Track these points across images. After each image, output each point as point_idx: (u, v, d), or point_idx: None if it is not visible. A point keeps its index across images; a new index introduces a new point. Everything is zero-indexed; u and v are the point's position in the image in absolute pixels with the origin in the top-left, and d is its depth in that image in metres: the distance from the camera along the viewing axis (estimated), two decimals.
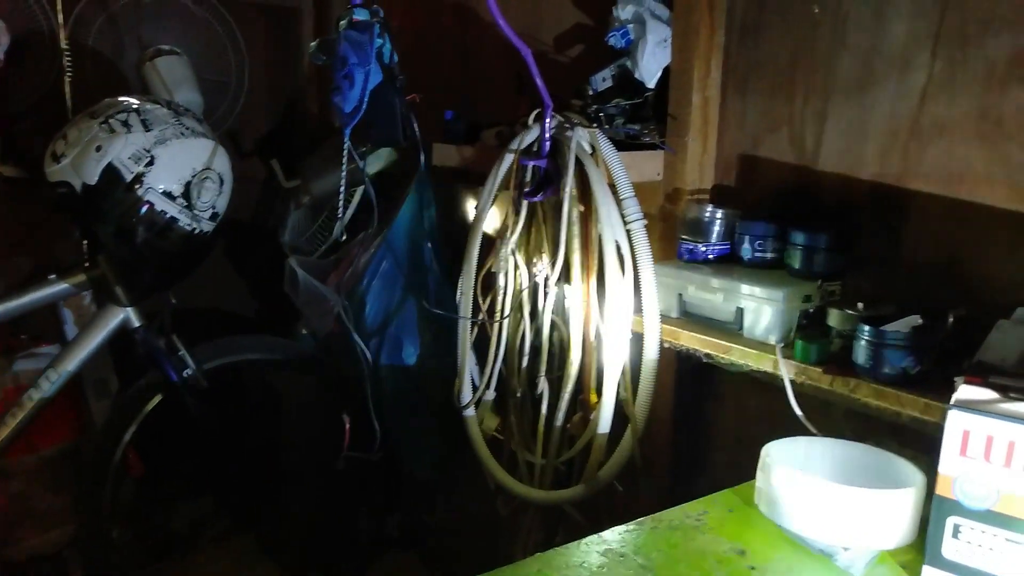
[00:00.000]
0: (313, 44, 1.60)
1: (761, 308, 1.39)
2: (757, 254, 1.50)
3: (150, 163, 1.68)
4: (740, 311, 1.43)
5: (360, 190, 2.23)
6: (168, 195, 1.71)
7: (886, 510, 1.02)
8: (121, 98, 1.77)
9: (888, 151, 1.39)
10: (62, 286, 1.80)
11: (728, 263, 1.56)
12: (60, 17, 2.47)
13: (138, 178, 1.68)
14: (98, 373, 2.46)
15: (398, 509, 2.44)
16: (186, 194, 1.74)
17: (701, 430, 1.75)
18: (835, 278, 1.40)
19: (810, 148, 1.51)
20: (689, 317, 1.54)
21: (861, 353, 1.22)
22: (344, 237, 2.15)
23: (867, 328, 1.21)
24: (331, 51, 1.39)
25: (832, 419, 1.28)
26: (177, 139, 1.72)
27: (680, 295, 1.54)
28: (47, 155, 1.70)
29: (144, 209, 1.70)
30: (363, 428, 1.82)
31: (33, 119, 2.46)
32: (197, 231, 1.79)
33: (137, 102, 1.76)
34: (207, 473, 2.11)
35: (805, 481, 1.04)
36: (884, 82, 1.38)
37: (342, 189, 1.91)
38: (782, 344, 1.35)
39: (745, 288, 1.42)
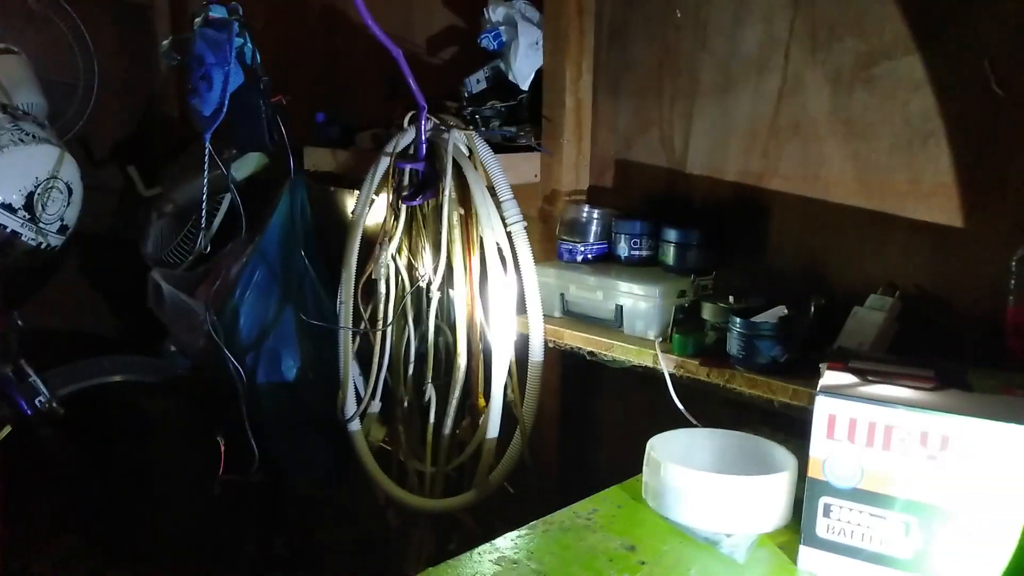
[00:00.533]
0: (165, 43, 1.50)
1: (639, 305, 1.43)
2: (633, 252, 1.54)
3: None
4: (619, 308, 1.46)
5: (227, 197, 2.12)
6: (7, 207, 1.56)
7: (763, 495, 1.06)
8: None
9: (749, 151, 1.45)
10: None
11: (606, 262, 1.59)
12: None
13: None
14: None
15: (284, 528, 2.35)
16: (29, 206, 1.59)
17: (589, 427, 1.78)
18: (707, 273, 1.46)
19: (679, 148, 1.56)
20: (571, 316, 1.56)
21: (734, 344, 1.27)
22: (209, 249, 2.03)
23: (738, 320, 1.26)
24: (186, 50, 1.30)
25: (711, 409, 1.32)
26: (15, 146, 1.57)
27: (562, 295, 1.56)
28: None
29: None
30: (240, 448, 1.73)
31: None
32: (44, 246, 1.64)
33: None
34: (71, 508, 1.94)
35: (687, 473, 1.08)
36: (743, 84, 1.45)
37: (204, 197, 1.80)
38: (660, 339, 1.39)
39: (623, 286, 1.45)
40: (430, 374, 1.71)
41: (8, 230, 1.58)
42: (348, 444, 1.76)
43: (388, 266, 1.66)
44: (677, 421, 1.29)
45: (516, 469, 1.57)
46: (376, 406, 1.77)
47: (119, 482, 2.06)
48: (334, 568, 2.27)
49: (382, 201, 1.67)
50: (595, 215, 1.60)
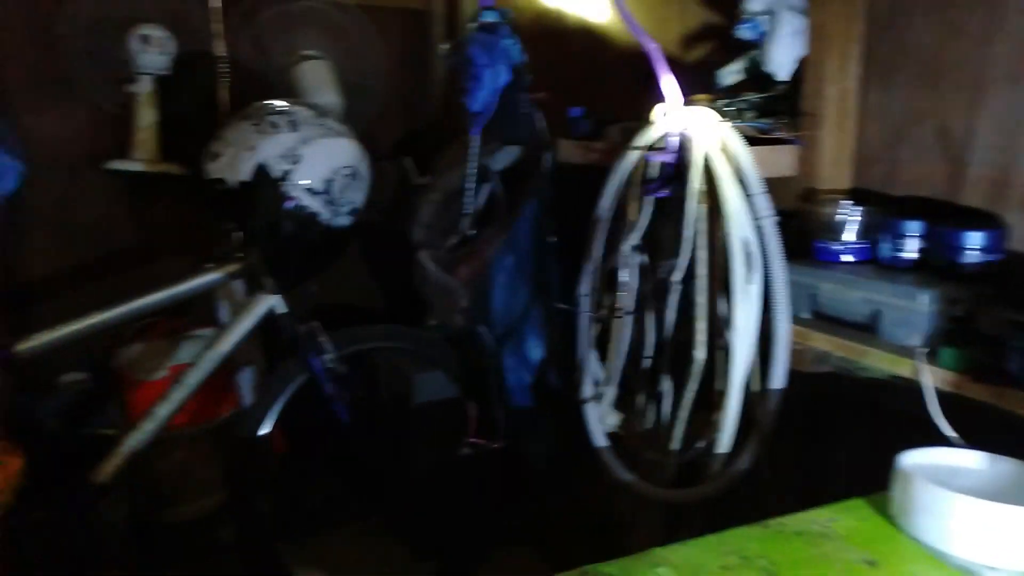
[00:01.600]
0: (442, 47, 1.67)
1: (902, 310, 1.32)
2: (898, 254, 1.43)
3: (296, 161, 1.80)
4: (878, 313, 1.36)
5: (487, 187, 2.29)
6: (311, 191, 1.82)
7: None
8: (271, 101, 1.90)
9: None
10: (218, 275, 1.96)
11: (865, 263, 1.49)
12: (219, 28, 2.69)
13: (285, 175, 1.80)
14: (248, 356, 2.67)
15: (518, 500, 2.49)
16: (327, 190, 1.84)
17: (832, 435, 1.68)
18: (984, 280, 1.31)
19: (960, 142, 1.41)
20: (822, 318, 1.48)
21: (1014, 361, 1.14)
22: (471, 232, 2.21)
23: (1021, 335, 1.13)
24: (460, 53, 1.44)
25: (977, 429, 1.20)
26: (321, 139, 1.84)
27: (812, 295, 1.49)
28: (206, 155, 1.86)
29: (290, 204, 1.83)
30: (486, 418, 1.88)
31: (194, 122, 2.69)
32: (336, 225, 1.90)
33: (285, 105, 1.89)
34: (342, 454, 2.22)
35: (951, 495, 0.99)
36: None
37: (467, 187, 1.96)
38: (924, 349, 1.28)
39: (886, 289, 1.36)
40: (667, 365, 1.72)
41: (311, 210, 1.85)
42: (583, 426, 1.83)
43: (631, 257, 1.70)
44: (931, 438, 1.18)
45: (751, 469, 1.54)
46: (612, 392, 1.83)
47: (380, 438, 2.32)
48: (560, 545, 2.37)
49: (629, 193, 1.71)
50: (856, 213, 1.50)
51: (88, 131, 2.64)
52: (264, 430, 2.05)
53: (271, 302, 1.98)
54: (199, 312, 2.83)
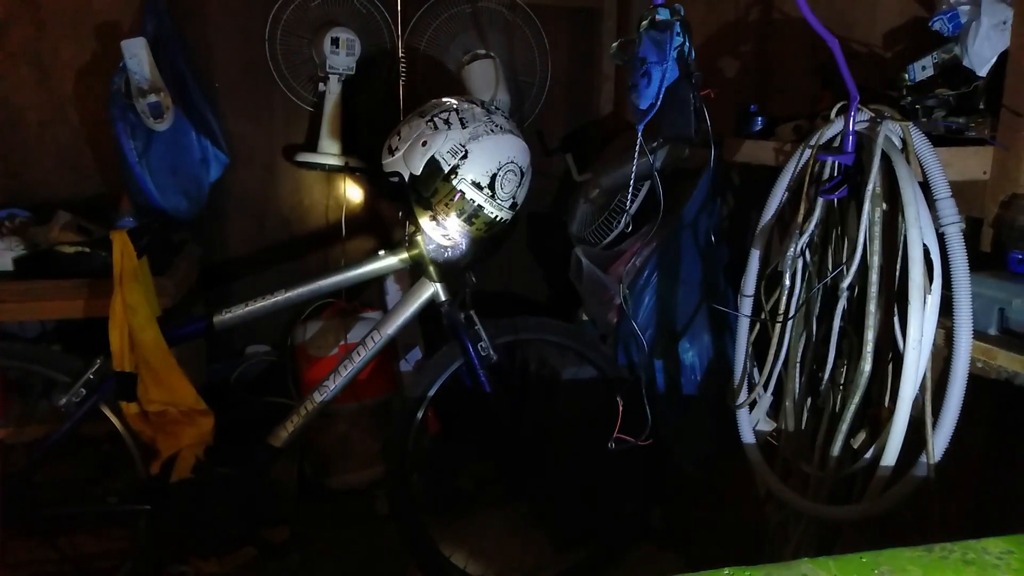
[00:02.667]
0: (614, 45, 1.68)
1: None
2: None
3: (464, 156, 1.88)
4: None
5: (646, 184, 2.28)
6: (476, 185, 1.90)
7: None
8: (444, 99, 2.00)
9: None
10: (389, 261, 2.09)
11: None
12: (398, 29, 2.86)
13: (454, 169, 1.89)
14: (410, 339, 2.83)
15: (662, 500, 2.46)
16: (491, 185, 1.91)
17: (1018, 463, 1.53)
18: None
19: None
20: (1011, 335, 1.35)
21: None
22: (629, 229, 2.21)
23: None
24: (631, 51, 1.44)
25: None
26: (488, 135, 1.91)
27: (1002, 310, 1.36)
28: (384, 149, 1.99)
29: (456, 197, 1.91)
30: (635, 414, 1.87)
31: (374, 118, 2.89)
32: (499, 219, 1.96)
33: (456, 102, 1.97)
34: (490, 440, 2.30)
35: None
36: None
37: (632, 182, 1.96)
38: None
39: None
40: (828, 375, 1.64)
41: (476, 203, 1.93)
42: (735, 432, 1.79)
43: (796, 259, 1.63)
44: None
45: (916, 493, 1.43)
46: (767, 399, 1.77)
47: (529, 426, 2.37)
48: (705, 549, 2.32)
49: (799, 194, 1.65)
50: None
51: (282, 127, 2.91)
52: (420, 411, 2.16)
53: (433, 289, 2.09)
54: (369, 295, 3.05)
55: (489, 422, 2.17)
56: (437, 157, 1.88)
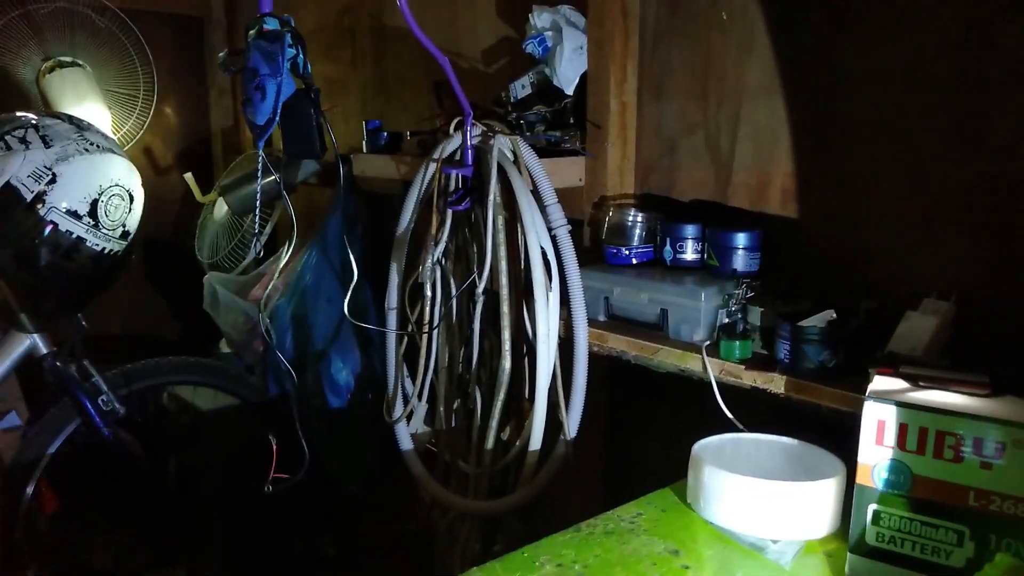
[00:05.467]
0: (220, 55, 1.55)
1: (684, 309, 1.42)
2: (679, 256, 1.53)
3: (52, 181, 1.59)
4: (664, 312, 1.45)
5: (279, 204, 2.18)
6: (73, 214, 1.63)
7: (810, 501, 1.05)
8: (19, 113, 1.67)
9: (797, 153, 1.43)
10: None
11: (652, 266, 1.58)
12: None
13: (39, 197, 1.59)
14: (5, 404, 2.33)
15: (331, 527, 2.39)
16: (93, 212, 1.65)
17: (634, 431, 1.78)
18: (754, 277, 1.44)
19: (725, 151, 1.55)
20: (616, 320, 1.56)
21: (781, 349, 1.26)
22: (262, 253, 2.09)
23: (786, 325, 1.25)
24: (241, 62, 1.34)
25: (758, 415, 1.31)
26: (81, 155, 1.64)
27: (606, 298, 1.56)
28: None
29: (47, 230, 1.62)
30: (292, 446, 1.77)
31: None
32: (107, 251, 1.71)
33: (36, 117, 1.67)
34: (128, 503, 2.01)
35: (732, 477, 1.07)
36: (791, 87, 1.43)
37: (258, 204, 1.85)
38: (706, 343, 1.38)
39: (668, 290, 1.45)
40: (475, 376, 1.73)
41: (74, 236, 1.65)
42: (394, 445, 1.79)
43: (434, 270, 1.68)
44: (724, 426, 1.28)
45: (561, 472, 1.58)
46: (422, 408, 1.80)
47: (175, 480, 2.13)
48: (379, 567, 2.30)
49: (429, 207, 1.70)
50: (640, 218, 1.60)
51: None
52: (29, 488, 1.79)
53: (29, 341, 1.74)
54: None
55: (125, 483, 1.89)
56: (14, 183, 1.56)
